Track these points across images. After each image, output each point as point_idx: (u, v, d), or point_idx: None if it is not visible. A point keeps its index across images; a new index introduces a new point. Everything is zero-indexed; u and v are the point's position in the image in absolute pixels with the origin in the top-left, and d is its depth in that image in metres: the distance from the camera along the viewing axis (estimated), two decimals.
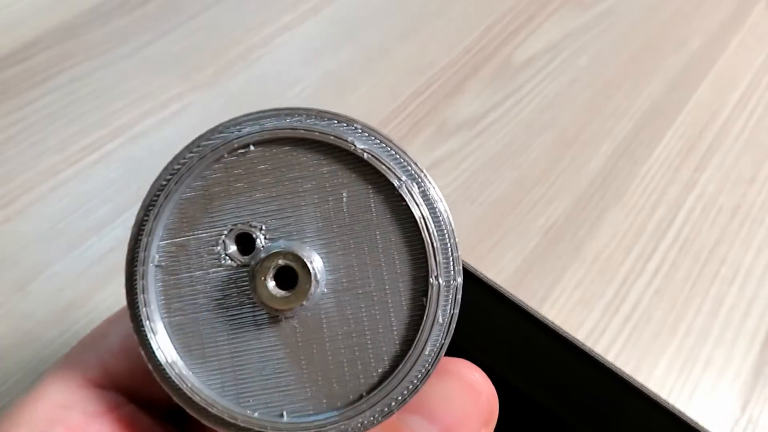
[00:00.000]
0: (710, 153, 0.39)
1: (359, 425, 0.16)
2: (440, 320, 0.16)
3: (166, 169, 0.17)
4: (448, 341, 0.16)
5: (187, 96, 0.40)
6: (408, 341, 0.16)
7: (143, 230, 0.16)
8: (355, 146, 0.16)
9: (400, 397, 0.16)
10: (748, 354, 0.31)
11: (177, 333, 0.16)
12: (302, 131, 0.16)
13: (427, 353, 0.16)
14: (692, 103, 0.42)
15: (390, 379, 0.16)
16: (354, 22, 0.45)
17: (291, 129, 0.16)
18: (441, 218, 0.16)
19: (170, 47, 0.42)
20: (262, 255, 0.16)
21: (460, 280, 0.16)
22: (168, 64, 0.41)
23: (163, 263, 0.16)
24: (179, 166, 0.17)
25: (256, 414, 0.16)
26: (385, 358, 0.16)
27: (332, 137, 0.16)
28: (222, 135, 0.17)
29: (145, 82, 0.40)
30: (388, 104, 0.41)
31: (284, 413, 0.16)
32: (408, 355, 0.16)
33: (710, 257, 0.35)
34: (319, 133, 0.16)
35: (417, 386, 0.16)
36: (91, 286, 0.31)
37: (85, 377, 0.16)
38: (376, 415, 0.16)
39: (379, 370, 0.16)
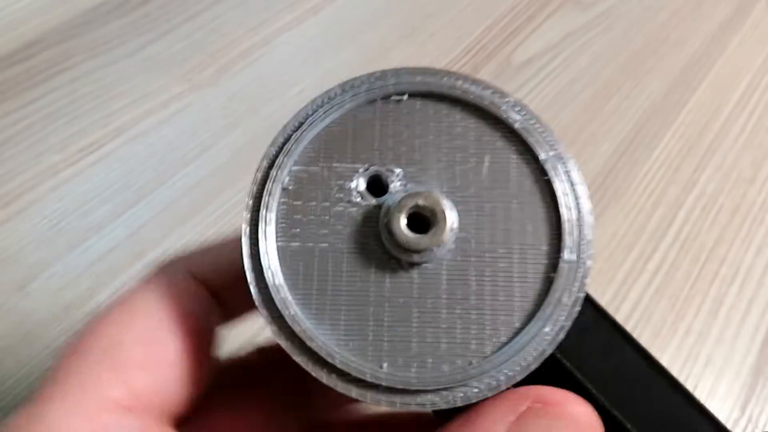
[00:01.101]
0: (710, 153, 0.39)
1: (462, 395, 0.15)
2: (565, 300, 0.15)
3: (314, 100, 0.17)
4: (569, 324, 0.15)
5: (187, 96, 0.40)
6: (528, 316, 0.15)
7: (282, 150, 0.16)
8: (508, 115, 0.16)
9: (511, 373, 0.15)
10: (748, 354, 0.31)
11: (289, 259, 0.15)
12: (459, 92, 0.16)
13: (546, 331, 0.15)
14: (692, 103, 0.42)
15: (503, 349, 0.15)
16: (354, 22, 0.45)
17: (448, 87, 0.16)
18: (580, 200, 0.16)
19: (170, 47, 0.42)
20: (401, 194, 0.15)
21: (590, 263, 0.16)
22: (168, 64, 0.41)
23: (290, 187, 0.16)
24: (329, 101, 0.17)
25: (355, 358, 0.15)
26: (502, 329, 0.15)
27: (487, 102, 0.16)
28: (380, 81, 0.17)
29: (145, 82, 0.40)
30: None
31: (384, 364, 0.15)
32: (526, 330, 0.15)
33: (710, 257, 0.35)
34: (474, 95, 0.16)
35: (530, 366, 0.15)
36: (91, 286, 0.31)
37: (108, 399, 0.15)
38: (482, 388, 0.15)
39: (494, 340, 0.15)
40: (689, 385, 0.30)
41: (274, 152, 0.16)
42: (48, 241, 0.33)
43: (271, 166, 0.16)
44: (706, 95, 0.43)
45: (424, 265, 0.16)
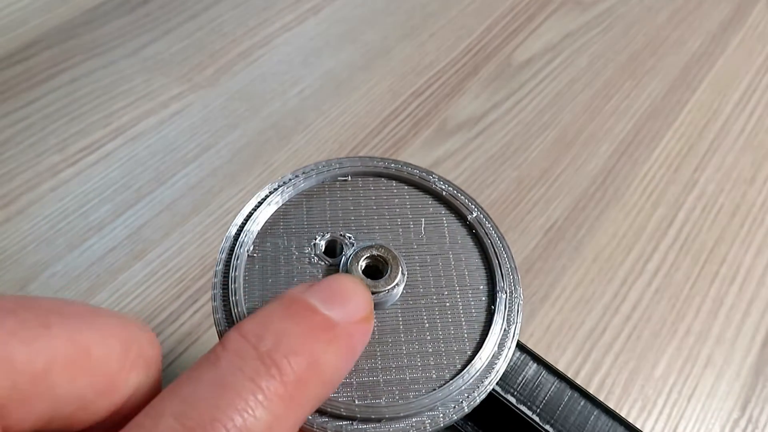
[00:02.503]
0: (710, 153, 0.39)
1: (430, 421, 0.16)
2: (505, 326, 0.18)
3: (271, 183, 0.20)
4: (514, 344, 0.18)
5: (187, 96, 0.40)
6: (478, 344, 0.17)
7: (247, 221, 0.19)
8: (437, 185, 0.20)
9: (473, 395, 0.17)
10: (748, 354, 0.31)
11: None
12: (393, 170, 0.20)
13: (496, 353, 0.17)
14: (692, 103, 0.42)
15: (461, 374, 0.17)
16: (354, 22, 0.45)
17: (384, 168, 0.20)
18: (504, 248, 0.19)
19: (170, 47, 0.42)
20: (355, 249, 0.18)
21: (520, 295, 0.19)
22: (168, 64, 0.41)
23: (256, 254, 0.18)
24: (284, 183, 0.20)
25: None
26: (457, 357, 0.17)
27: (417, 177, 0.20)
28: (326, 167, 0.20)
29: (145, 82, 0.40)
30: (388, 104, 0.41)
31: (355, 399, 0.16)
32: (478, 355, 0.17)
33: (710, 257, 0.35)
34: (407, 173, 0.20)
35: (488, 386, 0.17)
36: (91, 286, 0.31)
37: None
38: (448, 412, 0.16)
39: (451, 368, 0.17)
40: (689, 385, 0.30)
41: (239, 224, 0.19)
42: (48, 241, 0.33)
43: (237, 236, 0.18)
44: (706, 95, 0.43)
45: (380, 312, 0.18)
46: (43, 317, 0.13)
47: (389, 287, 0.17)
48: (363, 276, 0.17)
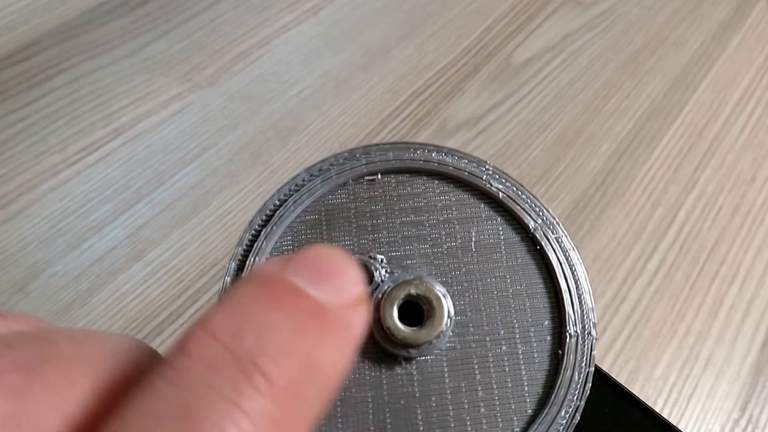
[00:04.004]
0: (710, 153, 0.39)
1: None
2: (576, 377, 0.14)
3: (281, 189, 0.15)
4: (582, 404, 0.14)
5: (187, 96, 0.40)
6: (540, 401, 0.13)
7: (251, 250, 0.15)
8: (490, 185, 0.15)
9: None
10: (748, 354, 0.31)
11: None
12: (435, 164, 0.15)
13: (562, 415, 0.13)
14: (692, 103, 0.42)
15: None
16: (354, 22, 0.45)
17: (424, 161, 0.15)
18: (575, 267, 0.15)
19: (170, 47, 0.42)
20: (390, 284, 0.14)
21: (594, 333, 0.14)
22: (168, 64, 0.41)
23: None
24: (297, 188, 0.15)
25: None
26: (515, 419, 0.13)
27: (466, 173, 0.15)
28: (349, 162, 0.15)
29: (145, 82, 0.40)
30: (388, 104, 0.41)
31: None
32: (541, 417, 0.13)
33: (710, 257, 0.35)
34: (453, 167, 0.15)
35: None
36: (91, 286, 0.31)
37: None
38: None
39: None
40: (689, 385, 0.30)
41: (242, 253, 0.15)
42: (48, 241, 0.33)
43: (240, 269, 0.15)
44: (706, 95, 0.43)
45: (422, 359, 0.14)
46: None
47: (432, 337, 0.13)
48: (398, 322, 0.14)
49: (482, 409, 0.13)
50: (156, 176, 0.36)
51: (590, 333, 0.14)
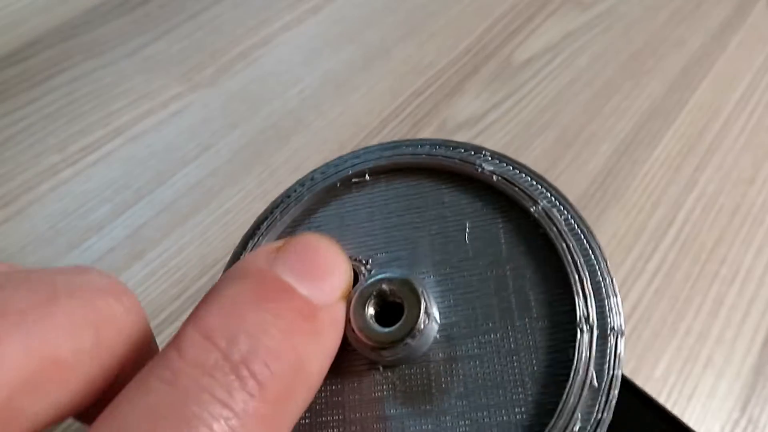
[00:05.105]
0: (710, 153, 0.39)
1: None
2: (594, 383, 0.11)
3: (274, 202, 0.15)
4: (608, 416, 0.10)
5: (187, 96, 0.40)
6: (549, 410, 0.11)
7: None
8: (482, 168, 0.14)
9: None
10: (748, 354, 0.31)
11: None
12: (424, 157, 0.14)
13: (576, 430, 0.10)
14: (692, 103, 0.42)
15: None
16: (354, 21, 0.45)
17: (411, 155, 0.14)
18: (592, 251, 0.13)
19: (170, 47, 0.42)
20: (360, 287, 0.13)
21: (620, 327, 0.12)
22: (168, 64, 0.41)
23: None
24: (286, 198, 0.15)
25: None
26: None
27: (457, 160, 0.14)
28: (336, 167, 0.15)
29: (145, 82, 0.40)
30: (388, 104, 0.41)
31: None
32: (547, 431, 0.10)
33: (710, 257, 0.35)
34: (443, 157, 0.14)
35: None
36: None
37: None
38: None
39: None
40: (689, 385, 0.30)
41: (231, 262, 0.14)
42: (48, 241, 0.33)
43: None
44: (706, 95, 0.43)
45: (406, 366, 0.12)
46: None
47: (405, 335, 0.12)
48: (375, 324, 0.12)
49: (476, 425, 0.11)
50: (156, 176, 0.36)
51: (614, 328, 0.11)
